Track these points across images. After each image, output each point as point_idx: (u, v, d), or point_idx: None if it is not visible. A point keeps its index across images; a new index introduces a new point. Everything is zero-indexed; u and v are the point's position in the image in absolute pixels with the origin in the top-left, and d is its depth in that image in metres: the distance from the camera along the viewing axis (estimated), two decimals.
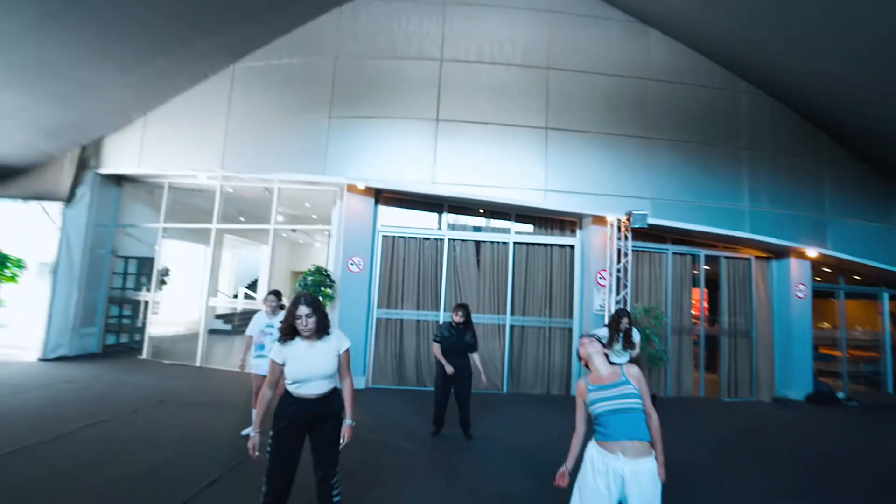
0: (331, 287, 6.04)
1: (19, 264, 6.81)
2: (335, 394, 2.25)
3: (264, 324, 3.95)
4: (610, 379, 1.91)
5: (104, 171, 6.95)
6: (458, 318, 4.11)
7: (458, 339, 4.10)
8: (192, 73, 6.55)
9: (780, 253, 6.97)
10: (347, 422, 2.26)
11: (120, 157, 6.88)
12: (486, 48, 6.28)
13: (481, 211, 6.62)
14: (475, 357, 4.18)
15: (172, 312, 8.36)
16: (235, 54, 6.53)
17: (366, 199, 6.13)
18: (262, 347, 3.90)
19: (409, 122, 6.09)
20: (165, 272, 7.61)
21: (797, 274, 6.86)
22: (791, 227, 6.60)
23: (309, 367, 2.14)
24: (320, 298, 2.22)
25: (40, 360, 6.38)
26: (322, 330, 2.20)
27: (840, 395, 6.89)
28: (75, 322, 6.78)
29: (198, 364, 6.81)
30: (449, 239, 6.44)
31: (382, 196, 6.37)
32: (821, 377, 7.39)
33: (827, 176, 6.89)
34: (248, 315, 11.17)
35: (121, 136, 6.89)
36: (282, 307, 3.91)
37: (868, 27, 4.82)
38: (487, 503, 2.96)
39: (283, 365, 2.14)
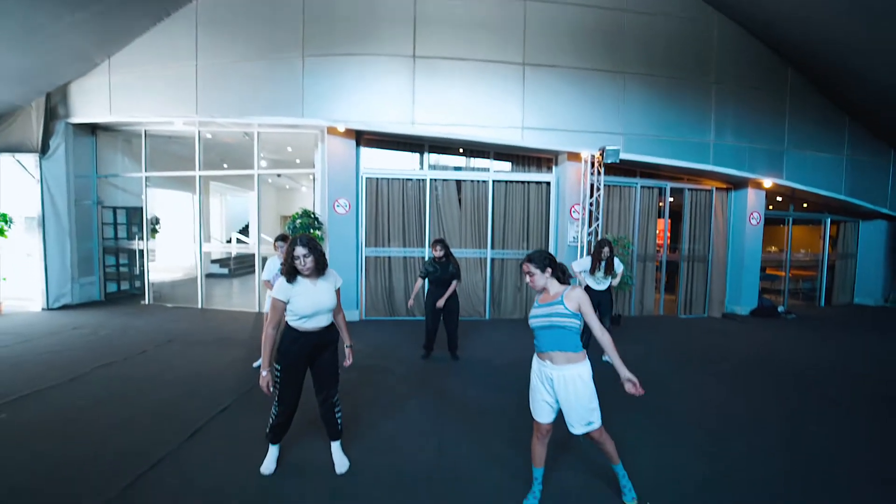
0: (319, 229, 6.36)
1: (4, 219, 6.86)
2: (332, 326, 2.50)
3: (277, 267, 4.03)
4: (551, 299, 2.10)
5: (75, 120, 6.78)
6: (438, 253, 4.44)
7: (443, 271, 4.46)
8: (151, 10, 6.19)
9: (739, 184, 7.49)
10: (348, 344, 2.59)
11: (89, 104, 6.69)
12: None
13: (461, 151, 6.82)
14: (453, 284, 4.51)
15: (169, 259, 8.60)
16: None
17: (347, 142, 6.25)
18: None
19: (386, 59, 6.01)
20: (156, 221, 7.75)
21: (753, 203, 7.45)
22: (751, 158, 7.05)
23: (314, 302, 2.32)
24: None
25: (44, 309, 6.69)
26: (321, 268, 2.36)
27: (780, 308, 7.83)
28: (73, 272, 7.03)
29: (200, 306, 7.25)
30: (431, 179, 6.70)
31: (363, 138, 6.48)
32: (766, 294, 8.34)
33: (788, 108, 7.22)
34: (242, 259, 11.61)
35: (87, 83, 6.65)
36: None
37: None
38: (473, 416, 3.32)
39: (287, 303, 2.31)
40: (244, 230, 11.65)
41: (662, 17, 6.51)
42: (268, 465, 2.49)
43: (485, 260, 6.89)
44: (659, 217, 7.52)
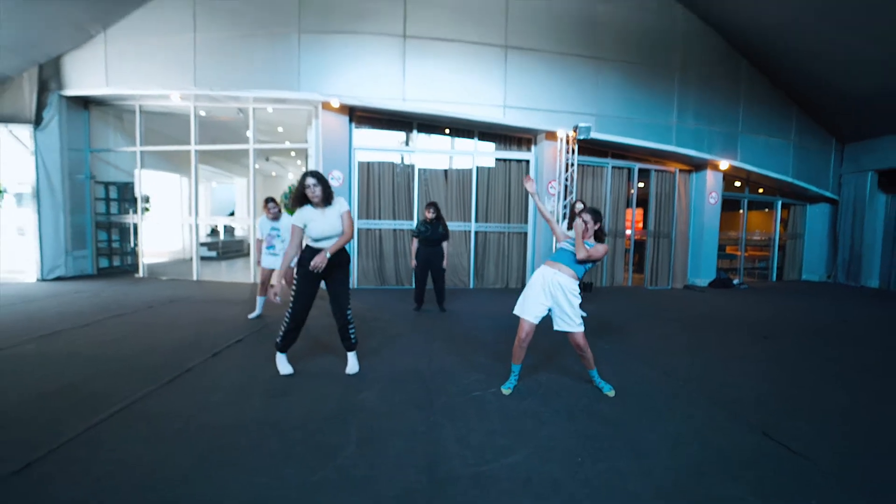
0: None
1: None
2: (343, 250, 2.84)
3: (270, 227, 4.56)
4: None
5: (69, 92, 6.90)
6: (430, 215, 4.98)
7: (433, 231, 5.01)
8: None
9: (699, 165, 8.23)
10: (326, 253, 2.69)
11: (84, 76, 6.82)
12: None
13: (447, 131, 7.29)
14: (444, 245, 5.12)
15: (161, 238, 8.77)
16: None
17: (341, 118, 6.61)
18: (272, 248, 4.59)
19: (378, 38, 6.36)
20: (146, 199, 7.91)
21: (712, 183, 8.20)
22: (710, 140, 7.79)
23: (323, 228, 2.72)
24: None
25: (39, 280, 6.80)
26: (327, 199, 2.78)
27: (735, 281, 8.64)
28: (67, 245, 7.16)
29: (195, 278, 7.49)
30: (420, 155, 7.15)
31: (356, 115, 6.86)
32: (725, 271, 9.14)
33: (742, 95, 8.01)
34: (229, 245, 11.79)
35: (81, 55, 6.77)
36: (280, 212, 4.60)
37: None
38: (459, 341, 3.97)
39: (305, 227, 2.74)
40: (230, 216, 11.89)
41: (631, 8, 7.11)
42: (284, 368, 2.93)
43: (469, 233, 7.39)
44: (627, 206, 8.18)
